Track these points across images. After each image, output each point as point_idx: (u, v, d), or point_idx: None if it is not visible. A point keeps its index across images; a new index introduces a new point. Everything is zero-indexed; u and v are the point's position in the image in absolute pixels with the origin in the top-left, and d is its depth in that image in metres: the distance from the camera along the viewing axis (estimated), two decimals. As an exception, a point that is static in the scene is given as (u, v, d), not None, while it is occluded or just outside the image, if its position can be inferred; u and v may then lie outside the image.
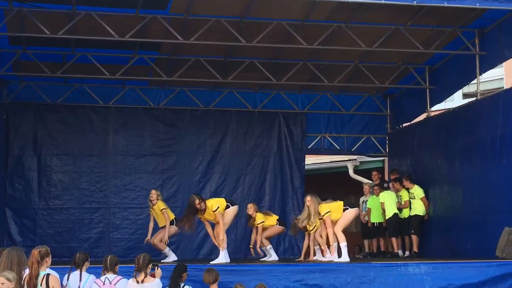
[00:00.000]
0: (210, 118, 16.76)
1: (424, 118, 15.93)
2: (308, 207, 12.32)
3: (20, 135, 15.86)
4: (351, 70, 15.47)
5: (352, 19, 12.85)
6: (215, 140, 16.77)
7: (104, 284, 8.51)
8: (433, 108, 16.12)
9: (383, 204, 14.81)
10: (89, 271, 8.94)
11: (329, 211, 12.21)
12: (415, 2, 11.07)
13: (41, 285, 7.09)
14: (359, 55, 14.79)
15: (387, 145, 17.88)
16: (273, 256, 13.27)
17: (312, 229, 12.69)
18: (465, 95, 21.96)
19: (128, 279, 8.71)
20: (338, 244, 12.29)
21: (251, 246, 13.43)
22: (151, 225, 13.42)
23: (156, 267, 9.00)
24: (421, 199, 14.57)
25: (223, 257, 11.78)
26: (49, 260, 7.42)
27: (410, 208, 14.77)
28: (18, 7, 11.88)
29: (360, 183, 17.84)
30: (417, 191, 14.64)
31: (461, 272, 11.03)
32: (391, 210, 14.72)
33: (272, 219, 13.48)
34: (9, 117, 15.71)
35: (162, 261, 12.46)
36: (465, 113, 13.91)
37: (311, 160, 19.93)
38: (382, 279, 10.86)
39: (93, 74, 14.51)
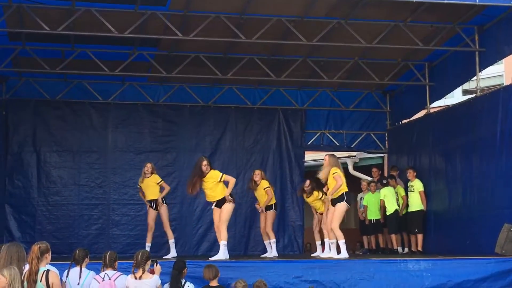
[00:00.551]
0: (210, 114, 16.75)
1: (424, 115, 15.94)
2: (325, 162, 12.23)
3: (19, 132, 15.84)
4: (351, 67, 15.46)
5: (352, 15, 12.84)
6: (215, 137, 16.76)
7: (103, 280, 8.50)
8: (433, 105, 16.10)
9: (383, 201, 14.80)
10: (88, 267, 8.92)
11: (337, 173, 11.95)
12: (414, -2, 11.08)
13: (40, 281, 7.08)
14: (359, 51, 14.78)
15: (386, 142, 17.88)
16: (273, 252, 13.27)
17: (314, 200, 13.03)
18: (465, 92, 21.89)
19: (128, 275, 8.71)
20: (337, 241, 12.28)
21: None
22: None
23: (156, 263, 8.98)
24: (419, 192, 14.54)
25: (222, 254, 11.75)
26: (49, 256, 7.40)
27: (407, 205, 14.79)
28: (17, 3, 11.86)
29: (360, 179, 17.85)
30: (417, 184, 14.62)
31: (461, 269, 11.02)
32: (392, 207, 14.73)
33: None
34: (8, 113, 15.70)
35: (164, 257, 12.45)
36: (465, 110, 13.91)
37: (310, 157, 19.90)
38: (382, 276, 10.85)
39: (93, 70, 14.51)
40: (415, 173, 14.74)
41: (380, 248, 15.33)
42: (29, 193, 15.73)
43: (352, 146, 17.94)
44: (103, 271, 8.67)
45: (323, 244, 13.23)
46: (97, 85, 16.14)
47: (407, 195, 14.87)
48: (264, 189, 13.26)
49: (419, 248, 14.38)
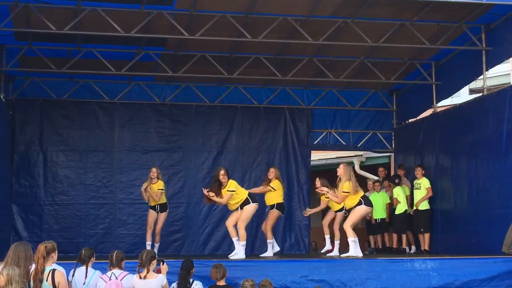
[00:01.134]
0: (216, 114, 16.75)
1: (431, 114, 15.91)
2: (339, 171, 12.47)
3: (26, 131, 15.87)
4: (357, 66, 15.44)
5: (358, 14, 12.82)
6: (221, 136, 16.76)
7: (110, 279, 8.51)
8: (439, 104, 16.08)
9: (396, 199, 14.76)
10: (95, 266, 8.94)
11: (348, 192, 12.25)
12: (421, -3, 11.05)
13: (46, 280, 7.09)
14: (365, 50, 14.76)
15: (393, 141, 17.85)
16: (268, 252, 13.08)
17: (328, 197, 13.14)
18: (472, 91, 21.85)
19: (134, 274, 8.72)
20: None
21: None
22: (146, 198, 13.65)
23: (162, 263, 8.99)
24: (427, 189, 14.47)
25: (241, 253, 11.88)
26: (55, 255, 7.41)
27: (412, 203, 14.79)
28: (23, 3, 11.87)
29: (366, 179, 17.83)
30: (424, 182, 14.56)
31: (468, 268, 11.01)
32: (402, 206, 14.70)
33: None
34: (15, 113, 15.72)
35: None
36: (472, 109, 13.87)
37: (317, 156, 19.90)
38: (389, 275, 10.85)
39: (99, 69, 14.52)
40: (423, 171, 14.70)
41: (387, 247, 15.31)
42: (35, 193, 15.76)
43: (358, 146, 17.93)
44: (110, 270, 8.68)
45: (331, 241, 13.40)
46: (103, 84, 16.16)
47: (412, 193, 14.84)
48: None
49: (426, 247, 14.35)
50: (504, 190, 12.22)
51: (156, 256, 8.84)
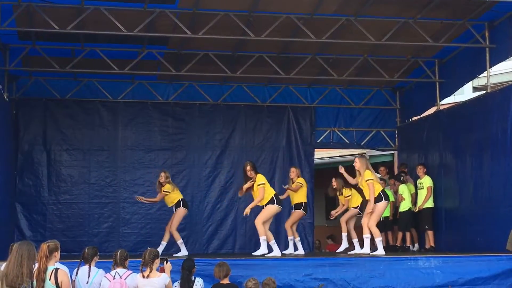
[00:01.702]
0: (219, 112, 16.75)
1: (434, 112, 15.88)
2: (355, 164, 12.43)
3: (30, 130, 15.89)
4: (360, 64, 15.42)
5: (361, 12, 12.80)
6: (224, 135, 16.76)
7: (114, 278, 8.51)
8: (443, 102, 16.05)
9: (401, 196, 14.76)
10: (99, 265, 8.95)
11: (372, 179, 12.17)
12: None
13: (49, 279, 7.09)
14: (368, 48, 14.74)
15: (396, 139, 17.83)
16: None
17: (347, 196, 13.28)
18: (475, 88, 21.84)
19: (138, 273, 8.72)
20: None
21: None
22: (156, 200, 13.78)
23: (165, 261, 8.99)
24: (427, 188, 14.47)
25: (276, 251, 12.06)
26: (57, 254, 7.40)
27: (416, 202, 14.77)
28: (26, 2, 11.88)
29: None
30: (426, 181, 14.56)
31: (472, 266, 11.01)
32: (407, 204, 14.70)
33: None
34: (18, 112, 15.74)
35: (174, 255, 12.47)
36: (475, 107, 13.85)
37: (320, 154, 19.88)
38: (392, 273, 10.85)
39: (102, 69, 14.52)
40: (425, 170, 14.69)
41: (391, 245, 15.28)
42: (39, 192, 15.78)
43: (362, 144, 17.90)
44: (114, 269, 8.69)
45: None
46: (106, 83, 16.16)
47: (416, 192, 14.83)
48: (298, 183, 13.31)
49: (432, 244, 14.35)
50: (509, 188, 12.20)
51: (160, 255, 8.84)
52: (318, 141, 17.51)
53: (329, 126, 17.57)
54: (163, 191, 13.33)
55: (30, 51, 14.22)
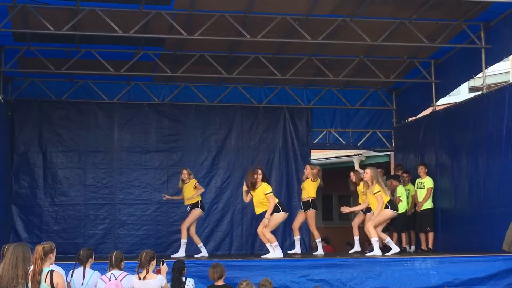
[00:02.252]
0: (215, 113, 16.73)
1: (430, 112, 15.89)
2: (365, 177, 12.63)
3: (25, 132, 15.85)
4: (356, 65, 15.42)
5: (357, 13, 12.80)
6: (220, 136, 16.74)
7: (110, 280, 8.50)
8: (439, 102, 16.06)
9: (399, 198, 14.74)
10: (95, 267, 8.93)
11: (380, 191, 12.40)
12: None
13: (45, 281, 7.07)
14: (364, 49, 14.75)
15: (393, 140, 17.83)
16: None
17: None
18: (471, 89, 21.88)
19: (134, 275, 8.70)
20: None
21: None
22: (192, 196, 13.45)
23: (162, 263, 8.98)
24: (428, 189, 14.46)
25: (278, 253, 11.96)
26: (53, 256, 7.37)
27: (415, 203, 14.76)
28: (22, 4, 11.86)
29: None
30: (427, 181, 14.54)
31: (468, 266, 11.01)
32: (404, 206, 14.69)
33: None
34: (14, 114, 15.70)
35: (171, 256, 12.46)
36: (471, 107, 13.86)
37: (316, 155, 19.87)
38: (388, 274, 10.85)
39: (98, 70, 14.51)
40: (426, 170, 14.68)
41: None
42: (35, 194, 15.74)
43: (358, 145, 17.90)
44: (110, 271, 8.67)
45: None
46: (102, 85, 16.14)
47: (415, 193, 14.82)
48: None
49: (430, 246, 14.34)
50: (504, 188, 12.21)
51: (155, 257, 8.83)
52: (315, 142, 17.50)
53: (325, 127, 17.57)
54: (196, 185, 13.22)
55: (26, 52, 14.20)
